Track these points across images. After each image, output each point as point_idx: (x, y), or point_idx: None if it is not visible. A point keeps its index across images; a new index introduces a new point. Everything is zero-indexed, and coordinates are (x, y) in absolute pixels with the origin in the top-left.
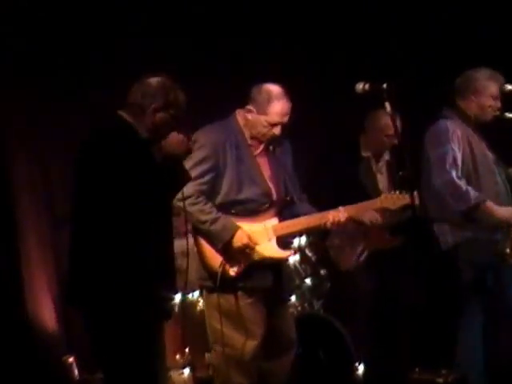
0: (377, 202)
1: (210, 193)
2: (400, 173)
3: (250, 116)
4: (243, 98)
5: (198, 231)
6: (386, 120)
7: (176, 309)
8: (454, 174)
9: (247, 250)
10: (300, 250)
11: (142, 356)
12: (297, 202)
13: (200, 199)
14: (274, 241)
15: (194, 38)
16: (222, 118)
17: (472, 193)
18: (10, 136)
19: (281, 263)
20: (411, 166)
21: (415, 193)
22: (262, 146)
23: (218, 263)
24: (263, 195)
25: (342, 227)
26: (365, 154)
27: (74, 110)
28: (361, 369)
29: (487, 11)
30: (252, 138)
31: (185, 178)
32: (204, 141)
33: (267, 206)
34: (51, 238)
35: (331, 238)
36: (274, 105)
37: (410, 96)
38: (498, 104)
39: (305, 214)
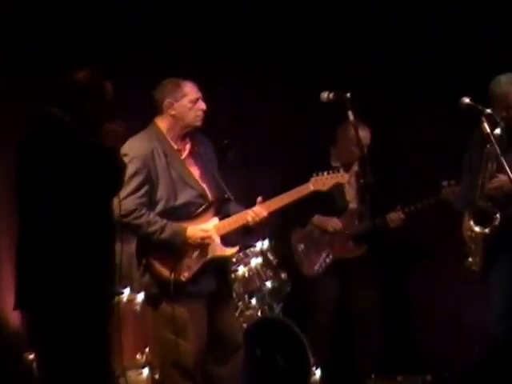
0: (309, 187)
1: (148, 204)
2: (361, 180)
3: (173, 111)
4: (152, 109)
5: (147, 242)
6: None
7: (138, 308)
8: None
9: (207, 240)
10: (262, 253)
11: (86, 351)
12: (232, 200)
13: (143, 211)
14: (218, 240)
15: (194, 38)
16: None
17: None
18: None
19: (226, 263)
20: (370, 173)
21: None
22: (187, 149)
23: (167, 271)
24: (199, 197)
25: (263, 222)
26: (334, 164)
27: None
28: (318, 374)
29: (487, 11)
30: (177, 140)
31: (121, 167)
32: (132, 154)
33: (205, 207)
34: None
35: (297, 242)
36: (183, 85)
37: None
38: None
39: (236, 212)
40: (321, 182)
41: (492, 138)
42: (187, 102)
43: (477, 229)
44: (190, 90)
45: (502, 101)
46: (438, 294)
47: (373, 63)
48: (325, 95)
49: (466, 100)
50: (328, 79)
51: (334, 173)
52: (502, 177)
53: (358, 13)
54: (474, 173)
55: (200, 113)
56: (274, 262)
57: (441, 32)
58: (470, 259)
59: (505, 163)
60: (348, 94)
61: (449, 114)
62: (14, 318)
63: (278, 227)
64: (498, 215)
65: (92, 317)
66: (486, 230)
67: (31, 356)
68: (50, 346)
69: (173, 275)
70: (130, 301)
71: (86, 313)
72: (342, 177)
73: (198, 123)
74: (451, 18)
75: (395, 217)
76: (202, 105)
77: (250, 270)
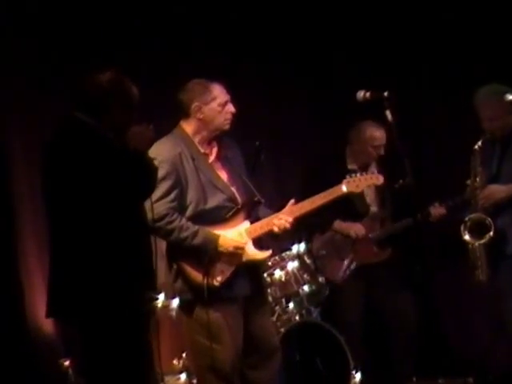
0: (342, 188)
1: (178, 208)
2: (400, 181)
3: (201, 115)
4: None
5: (179, 247)
6: (372, 131)
7: (173, 313)
8: None
9: (239, 250)
10: (299, 256)
11: (129, 358)
12: (262, 202)
13: (174, 216)
14: (250, 243)
15: (222, 40)
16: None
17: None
18: (10, 139)
19: (260, 267)
20: (410, 173)
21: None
22: (214, 152)
23: (200, 276)
24: (228, 200)
25: (288, 230)
26: (351, 166)
27: None
28: (358, 377)
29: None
30: (203, 143)
31: (152, 170)
32: (160, 158)
33: (235, 210)
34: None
35: (318, 248)
36: (212, 88)
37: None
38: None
39: (267, 215)
40: (354, 184)
41: None
42: (216, 105)
43: (468, 238)
44: (220, 93)
45: (484, 112)
46: (479, 293)
47: (376, 67)
48: (361, 94)
49: (510, 97)
50: (359, 80)
51: (367, 174)
52: (493, 187)
53: (360, 18)
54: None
55: (229, 116)
56: (312, 266)
57: (442, 33)
58: (477, 271)
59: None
60: (386, 93)
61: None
62: (48, 324)
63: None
64: (492, 225)
65: (131, 322)
66: (481, 242)
67: (67, 363)
68: (91, 353)
69: (206, 280)
70: (165, 307)
71: (125, 318)
72: (377, 178)
73: (227, 127)
74: (452, 18)
75: (437, 212)
76: (231, 108)
77: (286, 273)
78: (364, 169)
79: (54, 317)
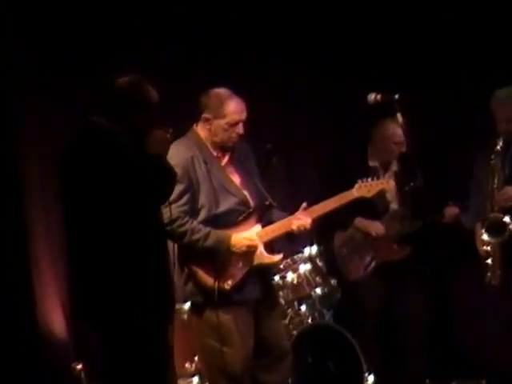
0: (353, 193)
1: (190, 212)
2: (411, 183)
3: (208, 125)
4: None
5: (190, 250)
6: (394, 128)
7: (185, 317)
8: None
9: (253, 249)
10: (311, 259)
11: (149, 361)
12: (274, 206)
13: (186, 219)
14: (261, 247)
15: (234, 41)
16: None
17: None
18: (21, 137)
19: (269, 270)
20: (421, 176)
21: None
22: (227, 156)
23: (211, 279)
24: (241, 204)
25: (308, 230)
26: (372, 163)
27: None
28: (370, 379)
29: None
30: (216, 148)
31: (171, 174)
32: (172, 162)
33: (247, 214)
34: (62, 245)
35: (340, 245)
36: (228, 105)
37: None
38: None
39: (279, 218)
40: (365, 189)
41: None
42: (225, 123)
43: (486, 238)
44: (233, 112)
45: (501, 114)
46: (491, 294)
47: (385, 71)
48: (372, 97)
49: None
50: (369, 79)
51: (378, 179)
52: (510, 188)
53: (368, 22)
54: (482, 186)
55: (234, 136)
56: (324, 268)
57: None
58: (489, 274)
59: None
60: (396, 96)
61: None
62: (60, 328)
63: (319, 230)
64: (510, 226)
65: (149, 325)
66: (498, 240)
67: (79, 366)
68: (110, 356)
69: (217, 283)
70: (177, 310)
71: (146, 320)
72: (388, 184)
73: (230, 144)
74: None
75: (451, 212)
76: (239, 129)
77: (298, 276)
78: (385, 166)
79: (80, 320)
